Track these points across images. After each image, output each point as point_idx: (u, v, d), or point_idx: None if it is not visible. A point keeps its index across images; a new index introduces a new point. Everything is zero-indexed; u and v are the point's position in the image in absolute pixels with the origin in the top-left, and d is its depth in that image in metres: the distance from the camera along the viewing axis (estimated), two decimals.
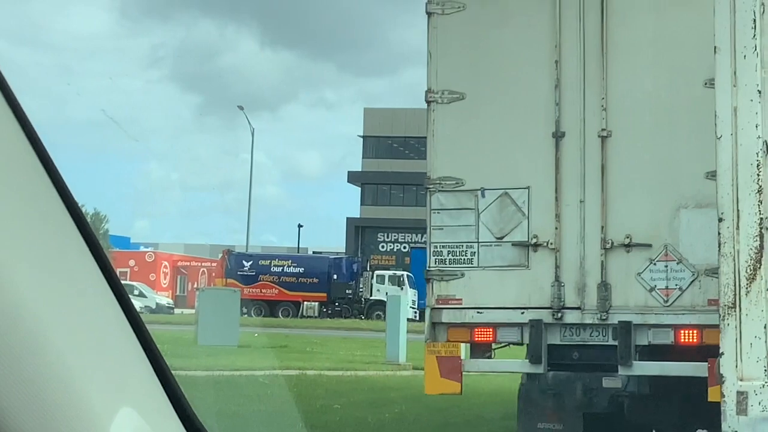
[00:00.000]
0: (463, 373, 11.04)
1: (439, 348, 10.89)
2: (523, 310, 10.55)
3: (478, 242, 10.61)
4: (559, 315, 10.40)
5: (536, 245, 10.38)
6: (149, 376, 1.72)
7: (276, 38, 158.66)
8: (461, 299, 10.77)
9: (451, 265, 10.74)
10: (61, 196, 1.55)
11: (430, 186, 10.82)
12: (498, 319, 10.68)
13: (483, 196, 10.64)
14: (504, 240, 10.57)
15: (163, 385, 1.77)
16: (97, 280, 1.61)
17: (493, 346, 11.22)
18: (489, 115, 10.70)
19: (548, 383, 10.91)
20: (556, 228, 10.33)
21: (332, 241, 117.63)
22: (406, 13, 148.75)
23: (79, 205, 1.63)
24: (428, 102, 10.88)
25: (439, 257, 10.78)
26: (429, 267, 10.82)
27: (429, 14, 10.99)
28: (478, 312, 10.75)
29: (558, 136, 10.27)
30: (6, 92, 1.48)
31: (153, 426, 1.66)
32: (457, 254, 10.68)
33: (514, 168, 10.53)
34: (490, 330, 10.74)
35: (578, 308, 10.37)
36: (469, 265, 10.66)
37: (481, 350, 11.19)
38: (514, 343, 10.96)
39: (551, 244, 10.37)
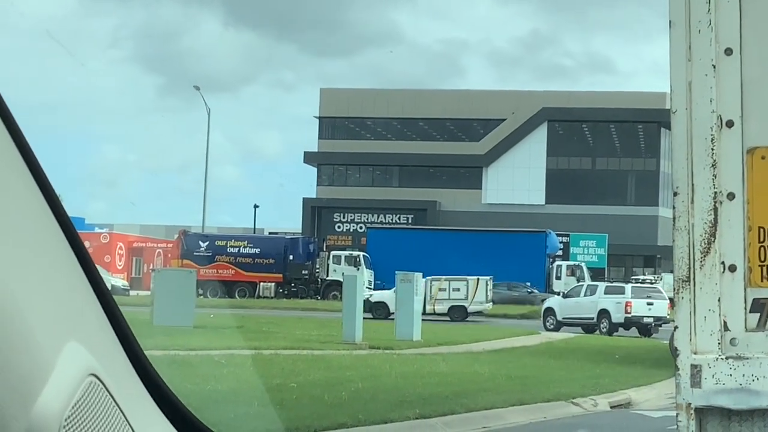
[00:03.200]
0: None
1: None
2: None
3: None
4: None
5: None
6: (100, 317, 1.78)
7: (239, 18, 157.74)
8: None
9: None
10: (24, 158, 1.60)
11: None
12: None
13: None
14: None
15: (114, 329, 1.86)
16: (51, 227, 1.66)
17: None
18: None
19: None
20: None
21: (289, 221, 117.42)
22: None
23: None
24: None
25: None
26: None
27: None
28: None
29: None
30: None
31: (101, 360, 1.71)
32: None
33: None
34: None
35: None
36: None
37: None
38: None
39: None
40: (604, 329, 44.93)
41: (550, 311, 47.57)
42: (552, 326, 46.06)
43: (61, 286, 1.67)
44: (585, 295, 46.65)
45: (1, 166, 1.54)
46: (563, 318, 46.46)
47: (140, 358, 1.93)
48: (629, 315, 44.59)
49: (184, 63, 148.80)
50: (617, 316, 44.82)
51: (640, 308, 44.53)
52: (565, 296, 48.89)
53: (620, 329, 44.81)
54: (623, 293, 45.76)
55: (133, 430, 1.80)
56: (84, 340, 1.66)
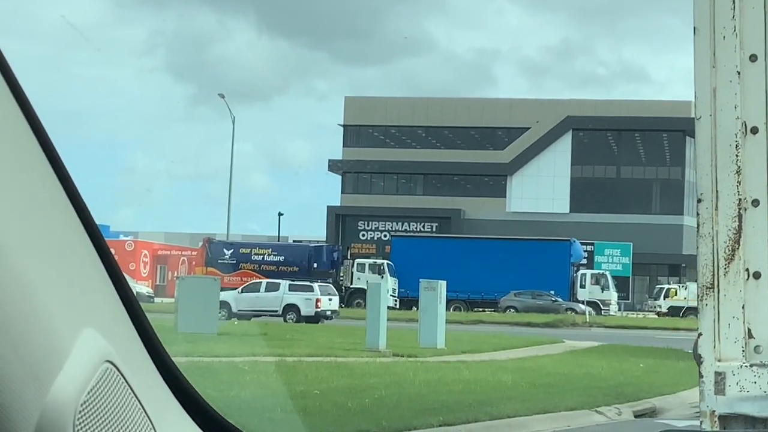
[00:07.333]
0: None
1: None
2: None
3: None
4: None
5: None
6: (117, 305, 1.82)
7: (273, 26, 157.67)
8: None
9: None
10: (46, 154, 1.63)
11: None
12: None
13: None
14: None
15: (131, 318, 1.88)
16: (70, 217, 1.68)
17: None
18: None
19: None
20: None
21: (313, 229, 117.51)
22: (404, 2, 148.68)
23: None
24: None
25: None
26: None
27: None
28: None
29: None
30: (12, 84, 1.54)
31: (117, 347, 1.72)
32: None
33: None
34: None
35: None
36: None
37: None
38: None
39: None
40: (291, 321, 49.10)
41: (225, 305, 48.00)
42: (224, 318, 46.66)
43: (79, 274, 1.69)
44: (266, 291, 51.13)
45: (25, 160, 1.57)
46: (239, 310, 49.14)
47: (157, 349, 1.95)
48: (319, 309, 50.18)
49: (216, 71, 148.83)
50: (307, 311, 49.99)
51: (327, 303, 50.92)
52: (243, 291, 52.28)
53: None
54: (312, 291, 51.16)
55: (148, 417, 1.81)
56: (100, 327, 1.67)
